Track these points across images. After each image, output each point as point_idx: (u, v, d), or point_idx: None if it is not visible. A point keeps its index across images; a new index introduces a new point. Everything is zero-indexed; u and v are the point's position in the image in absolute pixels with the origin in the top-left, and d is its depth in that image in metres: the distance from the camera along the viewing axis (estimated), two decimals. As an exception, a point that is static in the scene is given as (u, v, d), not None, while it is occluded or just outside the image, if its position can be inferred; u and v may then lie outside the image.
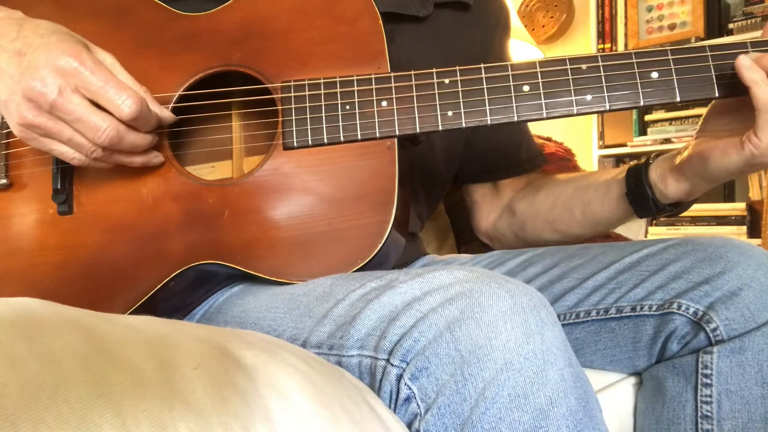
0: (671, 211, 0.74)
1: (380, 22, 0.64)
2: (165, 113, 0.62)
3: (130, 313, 0.63)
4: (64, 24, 0.69)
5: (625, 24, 2.77)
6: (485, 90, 0.62)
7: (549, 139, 1.77)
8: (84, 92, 0.55)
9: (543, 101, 0.61)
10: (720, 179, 0.66)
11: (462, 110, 0.62)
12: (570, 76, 0.61)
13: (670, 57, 0.60)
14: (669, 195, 0.71)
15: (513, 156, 0.93)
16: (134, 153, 0.61)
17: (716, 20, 2.56)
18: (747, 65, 0.58)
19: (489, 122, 0.61)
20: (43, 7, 0.70)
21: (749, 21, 2.48)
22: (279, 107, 0.64)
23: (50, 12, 0.70)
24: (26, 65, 0.55)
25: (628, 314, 0.67)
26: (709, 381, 0.60)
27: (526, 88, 0.61)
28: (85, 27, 0.69)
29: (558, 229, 0.86)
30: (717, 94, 0.60)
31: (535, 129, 2.03)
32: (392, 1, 0.75)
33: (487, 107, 0.61)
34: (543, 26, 3.10)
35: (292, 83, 0.64)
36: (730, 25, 2.52)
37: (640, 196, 0.73)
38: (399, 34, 0.76)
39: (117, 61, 0.60)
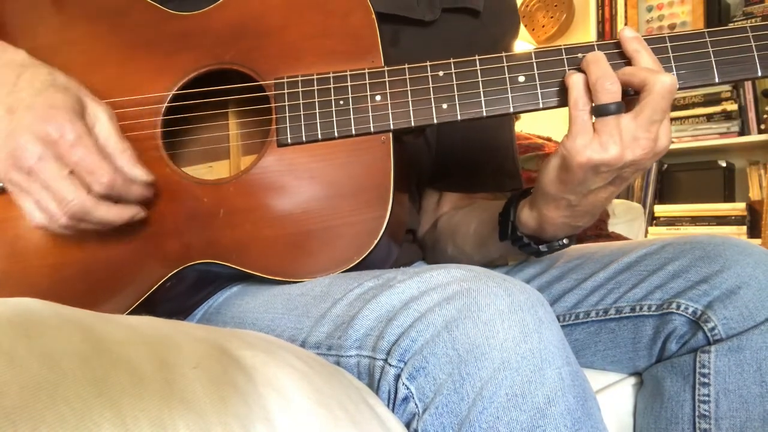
0: (527, 246, 0.68)
1: (373, 16, 0.64)
2: (140, 174, 0.60)
3: (128, 314, 0.63)
4: (61, 26, 0.69)
5: (625, 24, 2.77)
6: (480, 82, 0.61)
7: (549, 140, 1.78)
8: (63, 162, 0.56)
9: (539, 91, 0.60)
10: (547, 192, 0.61)
11: (457, 102, 0.61)
12: (566, 67, 0.60)
13: (668, 44, 0.59)
14: (522, 219, 0.66)
15: (496, 170, 0.87)
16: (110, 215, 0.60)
17: (716, 20, 2.56)
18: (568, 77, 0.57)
19: (485, 114, 0.61)
20: (40, 9, 0.70)
21: (749, 21, 2.48)
22: (272, 104, 0.64)
23: (47, 14, 0.70)
24: (13, 126, 0.56)
25: (627, 315, 0.67)
26: (706, 380, 0.60)
27: (521, 78, 0.60)
28: (80, 29, 0.69)
29: (456, 243, 0.81)
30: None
31: (535, 129, 2.04)
32: (397, 3, 0.75)
33: (482, 98, 0.61)
34: (543, 26, 3.10)
35: (285, 80, 0.64)
36: (731, 25, 2.52)
37: (505, 217, 0.69)
38: (404, 36, 0.75)
39: (109, 117, 0.60)
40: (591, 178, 0.57)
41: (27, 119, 0.56)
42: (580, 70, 0.58)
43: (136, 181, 0.60)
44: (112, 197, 0.59)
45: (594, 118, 0.56)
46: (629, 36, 0.58)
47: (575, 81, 0.57)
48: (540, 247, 0.67)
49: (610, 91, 0.55)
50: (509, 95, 0.60)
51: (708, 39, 0.59)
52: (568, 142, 0.56)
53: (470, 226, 0.80)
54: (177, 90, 0.66)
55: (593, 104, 0.56)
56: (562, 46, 0.60)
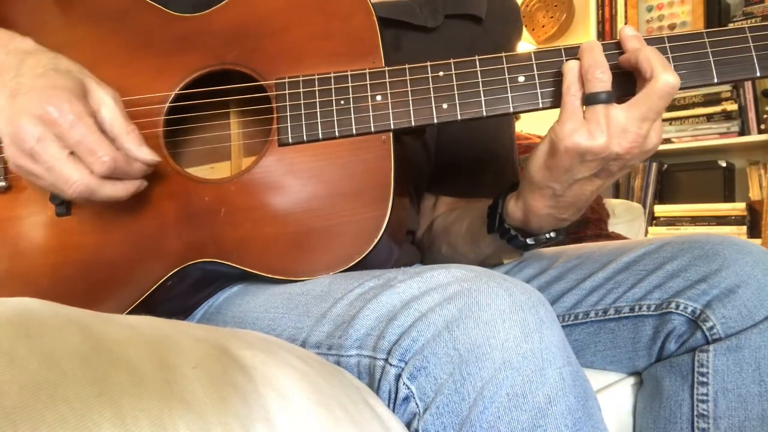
0: (514, 239, 0.68)
1: (374, 18, 0.64)
2: (147, 156, 0.60)
3: (128, 313, 0.63)
4: (64, 27, 0.69)
5: (625, 24, 2.77)
6: (480, 82, 0.61)
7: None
8: (62, 144, 0.56)
9: (538, 91, 0.61)
10: (535, 180, 0.61)
11: (457, 102, 0.61)
12: None
13: (667, 44, 0.60)
14: (508, 211, 0.67)
15: (496, 175, 0.87)
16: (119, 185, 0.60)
17: (716, 20, 2.56)
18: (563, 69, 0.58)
19: (484, 114, 0.61)
20: (44, 11, 0.70)
21: (749, 21, 2.48)
22: (273, 104, 0.64)
23: (50, 15, 0.70)
24: (15, 108, 0.56)
25: (626, 315, 0.67)
26: (705, 380, 0.60)
27: (521, 78, 0.61)
28: (84, 30, 0.69)
29: (450, 242, 0.82)
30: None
31: (535, 129, 2.03)
32: (400, 9, 0.75)
33: (482, 98, 0.61)
34: (543, 26, 3.10)
35: (286, 80, 0.64)
36: (730, 25, 2.52)
37: (493, 210, 0.70)
38: (406, 41, 0.76)
39: (112, 97, 0.59)
40: (576, 166, 0.57)
41: (27, 101, 0.56)
42: (577, 58, 0.59)
43: (144, 161, 0.60)
44: (116, 176, 0.58)
45: (585, 106, 0.57)
46: (629, 34, 0.58)
47: (570, 67, 0.57)
48: (527, 240, 0.68)
49: (601, 80, 0.55)
50: (509, 95, 0.61)
51: (707, 39, 0.59)
52: (558, 126, 0.57)
53: (462, 224, 0.80)
54: (179, 90, 0.66)
55: (584, 92, 0.57)
56: (562, 47, 0.61)
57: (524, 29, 2.64)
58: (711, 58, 0.59)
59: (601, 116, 0.55)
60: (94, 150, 0.56)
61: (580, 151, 0.56)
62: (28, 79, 0.57)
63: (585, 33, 2.95)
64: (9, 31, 0.61)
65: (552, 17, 3.08)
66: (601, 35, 2.84)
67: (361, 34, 0.64)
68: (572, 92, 0.57)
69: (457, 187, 0.87)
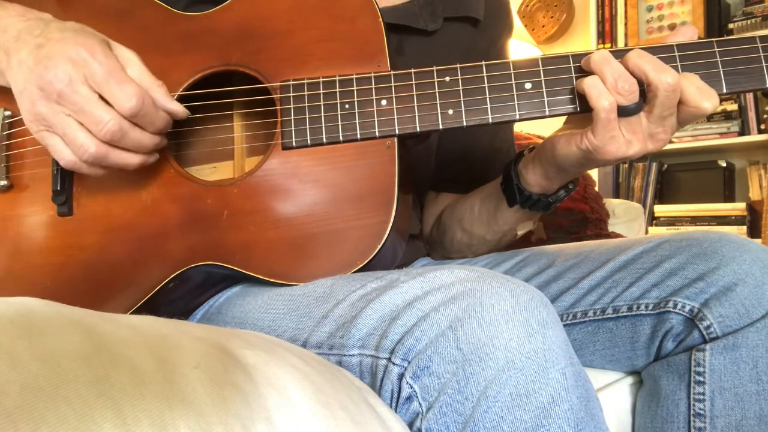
0: (538, 203, 0.72)
1: (380, 20, 0.64)
2: (176, 107, 0.60)
3: (130, 314, 0.63)
4: None
5: (625, 24, 2.77)
6: (486, 88, 0.61)
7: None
8: (92, 84, 0.55)
9: (545, 99, 0.60)
10: (566, 168, 0.66)
11: (463, 109, 0.61)
12: (573, 74, 0.60)
13: (677, 53, 0.59)
14: (529, 181, 0.70)
15: (498, 173, 0.88)
16: (132, 153, 0.60)
17: (716, 20, 2.56)
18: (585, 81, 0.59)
19: (490, 121, 0.61)
20: (49, 8, 0.70)
21: (749, 21, 2.48)
22: (278, 107, 0.64)
23: (54, 14, 0.70)
24: (42, 56, 0.56)
25: (625, 314, 0.67)
26: (701, 379, 0.60)
27: (528, 85, 0.61)
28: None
29: (464, 228, 0.84)
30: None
31: (535, 129, 2.03)
32: (401, 13, 0.75)
33: (489, 105, 0.61)
34: (543, 26, 3.10)
35: (291, 82, 0.64)
36: (730, 25, 2.53)
37: (508, 183, 0.72)
38: (408, 46, 0.76)
39: (137, 57, 0.59)
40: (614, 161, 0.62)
41: (55, 48, 0.56)
42: (584, 73, 0.59)
43: (174, 113, 0.60)
44: (142, 120, 0.58)
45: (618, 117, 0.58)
46: (598, 59, 0.59)
47: (595, 83, 0.57)
48: (549, 198, 0.71)
49: (630, 92, 0.57)
50: (515, 102, 0.61)
51: (717, 49, 0.59)
52: (595, 140, 0.59)
53: (474, 208, 0.81)
54: (183, 90, 0.66)
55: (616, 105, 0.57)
56: (570, 54, 0.61)
57: (524, 29, 2.64)
58: (720, 69, 0.59)
59: (636, 126, 0.58)
60: (123, 86, 0.56)
61: (619, 158, 0.59)
62: (57, 33, 0.57)
63: (585, 33, 2.95)
64: (22, 5, 0.62)
65: (552, 17, 3.08)
66: (601, 35, 2.84)
67: (367, 37, 0.64)
68: (607, 107, 0.57)
69: (462, 186, 0.88)
